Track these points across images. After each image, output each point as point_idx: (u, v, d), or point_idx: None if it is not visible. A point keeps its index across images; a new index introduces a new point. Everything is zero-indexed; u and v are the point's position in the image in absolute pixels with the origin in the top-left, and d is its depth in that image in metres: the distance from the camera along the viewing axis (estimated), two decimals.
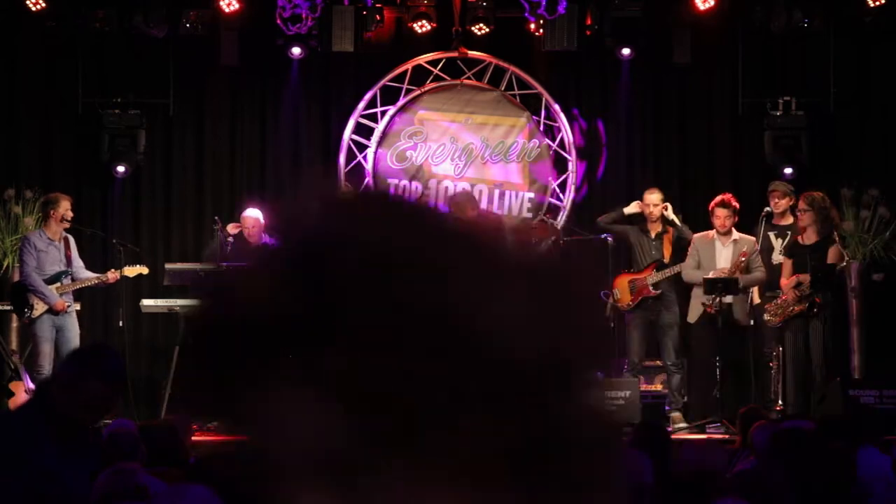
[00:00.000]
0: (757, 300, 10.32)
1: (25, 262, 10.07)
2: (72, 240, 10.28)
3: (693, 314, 10.19)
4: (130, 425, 5.89)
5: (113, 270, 10.23)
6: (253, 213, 10.92)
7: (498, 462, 0.82)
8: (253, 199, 11.97)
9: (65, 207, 10.09)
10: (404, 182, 12.25)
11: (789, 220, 10.32)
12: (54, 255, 10.09)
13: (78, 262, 10.28)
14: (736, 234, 10.21)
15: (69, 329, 10.04)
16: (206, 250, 10.98)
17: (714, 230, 10.23)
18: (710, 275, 9.99)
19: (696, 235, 10.36)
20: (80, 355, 4.78)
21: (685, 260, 10.28)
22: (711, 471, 4.41)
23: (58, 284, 10.04)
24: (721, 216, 10.15)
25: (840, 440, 5.01)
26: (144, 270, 10.45)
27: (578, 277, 0.91)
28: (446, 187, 12.21)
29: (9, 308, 10.88)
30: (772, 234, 10.34)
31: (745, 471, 4.32)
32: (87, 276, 10.25)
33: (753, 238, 10.27)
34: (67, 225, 10.13)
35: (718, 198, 10.30)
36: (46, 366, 9.86)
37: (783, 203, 10.35)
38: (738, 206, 10.20)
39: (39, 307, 9.95)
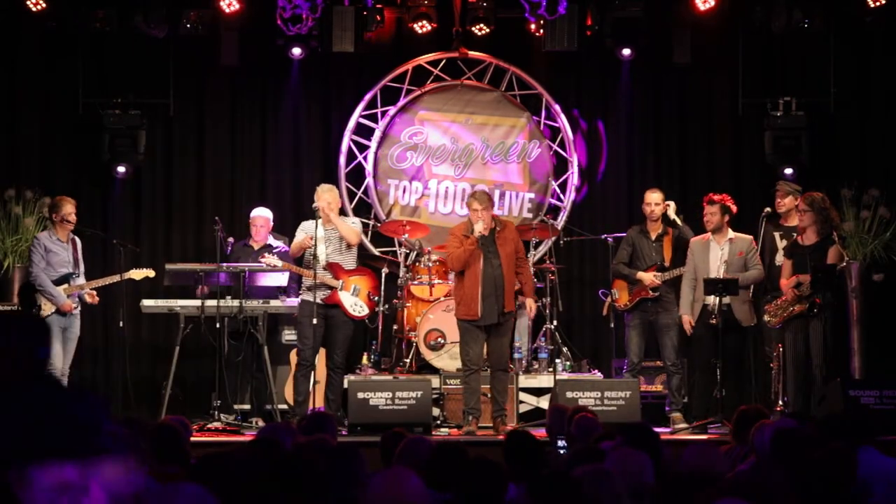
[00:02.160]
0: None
1: (34, 262, 10.06)
2: (79, 242, 10.26)
3: (694, 315, 10.16)
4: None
5: (82, 284, 10.18)
6: (263, 212, 10.94)
7: None
8: (254, 198, 12.01)
9: (66, 210, 10.06)
10: (405, 182, 12.25)
11: (795, 220, 10.26)
12: (63, 256, 10.06)
13: (81, 267, 10.26)
14: (731, 234, 10.17)
15: (72, 329, 10.05)
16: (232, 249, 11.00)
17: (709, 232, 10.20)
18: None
19: (692, 239, 10.32)
20: None
21: (686, 264, 10.25)
22: (711, 471, 4.41)
23: (66, 286, 10.02)
24: (706, 213, 10.14)
25: (840, 440, 5.00)
26: (151, 273, 10.44)
27: None
28: (446, 188, 12.21)
29: (9, 308, 10.87)
30: (777, 235, 10.32)
31: (745, 471, 4.32)
32: (82, 282, 10.22)
33: (751, 237, 10.24)
34: (71, 227, 10.11)
35: (707, 196, 10.28)
36: (57, 364, 9.85)
37: (787, 202, 10.32)
38: (730, 204, 10.14)
39: (47, 307, 9.94)
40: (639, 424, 5.85)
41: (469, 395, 9.75)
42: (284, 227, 11.21)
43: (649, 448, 4.90)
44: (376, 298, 10.32)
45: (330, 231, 9.94)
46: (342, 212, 10.82)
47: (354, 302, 9.97)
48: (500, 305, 9.64)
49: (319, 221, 9.93)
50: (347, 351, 10.09)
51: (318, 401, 9.96)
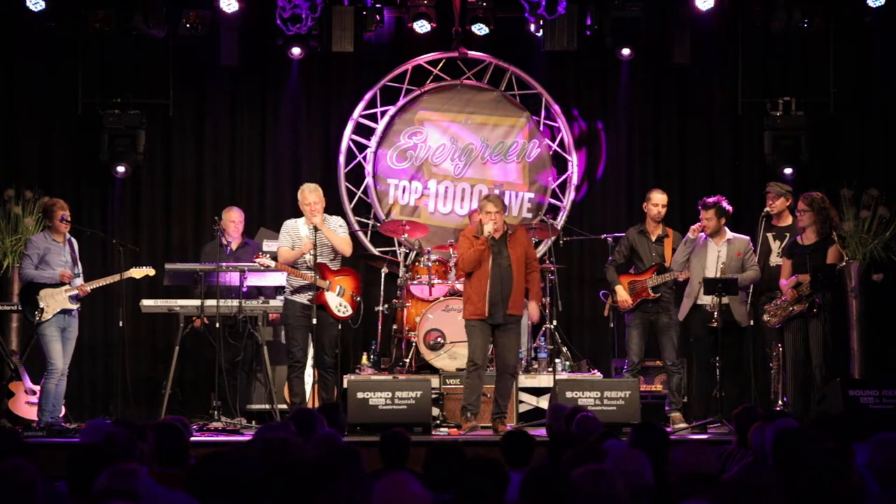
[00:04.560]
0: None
1: (24, 264, 10.03)
2: (76, 244, 10.23)
3: (682, 312, 10.16)
4: (109, 426, 5.89)
5: (82, 284, 10.13)
6: (237, 210, 10.95)
7: None
8: (254, 198, 12.06)
9: (60, 213, 10.00)
10: (404, 182, 12.25)
11: (788, 220, 10.29)
12: (61, 257, 10.02)
13: (79, 268, 10.22)
14: (729, 234, 10.16)
15: (71, 330, 10.03)
16: (203, 251, 10.97)
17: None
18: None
19: (693, 227, 10.21)
20: None
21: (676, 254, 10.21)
22: (707, 472, 4.41)
23: (66, 287, 9.99)
24: (702, 219, 10.11)
25: (837, 439, 5.00)
26: (151, 272, 10.42)
27: None
28: (446, 187, 12.21)
29: (9, 308, 10.87)
30: (770, 236, 10.31)
31: (739, 471, 4.31)
32: (81, 282, 10.17)
33: (748, 238, 10.24)
34: (67, 227, 10.08)
35: (701, 200, 10.25)
36: (58, 363, 9.83)
37: (778, 204, 10.32)
38: (725, 205, 10.12)
39: (49, 309, 9.90)
40: (648, 425, 5.85)
41: (469, 391, 9.75)
42: None
43: (656, 449, 4.89)
44: (358, 299, 10.25)
45: (314, 230, 9.89)
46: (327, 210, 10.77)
47: (339, 302, 9.97)
48: (506, 306, 9.64)
49: (304, 221, 9.91)
50: (335, 351, 10.07)
51: (315, 401, 9.95)
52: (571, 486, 3.93)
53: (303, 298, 9.88)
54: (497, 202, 9.79)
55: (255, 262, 10.07)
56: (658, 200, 10.48)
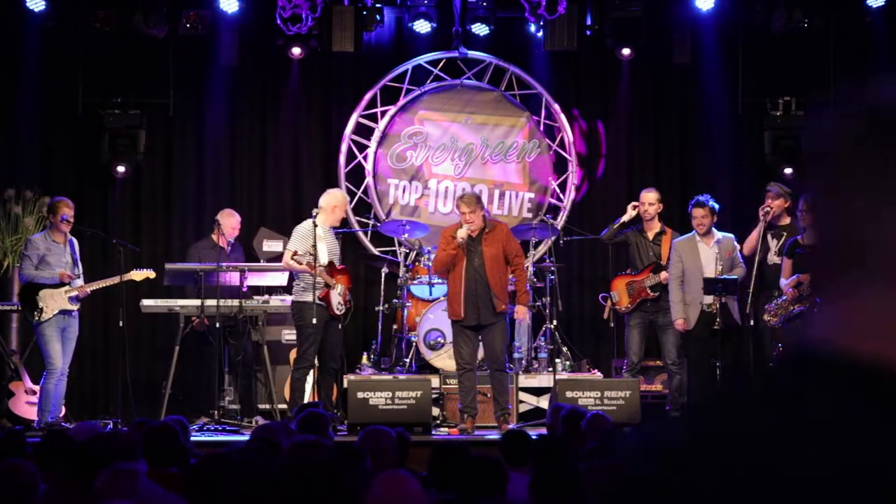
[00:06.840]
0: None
1: (24, 265, 10.03)
2: (76, 243, 10.23)
3: (691, 321, 10.13)
4: (98, 426, 5.90)
5: (82, 285, 10.12)
6: (236, 214, 10.96)
7: None
8: (254, 198, 12.05)
9: (62, 212, 10.01)
10: (404, 182, 12.25)
11: (786, 220, 10.31)
12: (60, 256, 10.02)
13: (79, 268, 10.22)
14: (718, 234, 10.18)
15: (71, 330, 10.03)
16: (196, 247, 10.96)
17: (695, 232, 10.19)
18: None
19: (676, 241, 10.31)
20: None
21: (671, 265, 10.22)
22: None
23: (66, 287, 9.99)
24: (697, 216, 10.13)
25: None
26: (151, 274, 10.41)
27: None
28: (446, 187, 12.21)
29: (9, 308, 10.88)
30: (768, 235, 10.33)
31: None
32: (81, 283, 10.17)
33: (732, 235, 10.26)
34: (69, 227, 10.08)
35: (694, 198, 10.28)
36: (58, 362, 9.83)
37: (777, 204, 10.34)
38: (715, 205, 10.16)
39: (49, 310, 9.90)
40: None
41: (464, 393, 9.75)
42: (284, 228, 11.22)
43: None
44: (349, 297, 10.22)
45: (327, 232, 9.89)
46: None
47: (339, 301, 9.97)
48: (489, 306, 9.60)
49: (313, 221, 9.87)
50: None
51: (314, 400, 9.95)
52: (580, 484, 3.94)
53: (315, 297, 9.79)
54: (470, 202, 9.69)
55: (291, 261, 9.83)
56: (644, 199, 10.55)
